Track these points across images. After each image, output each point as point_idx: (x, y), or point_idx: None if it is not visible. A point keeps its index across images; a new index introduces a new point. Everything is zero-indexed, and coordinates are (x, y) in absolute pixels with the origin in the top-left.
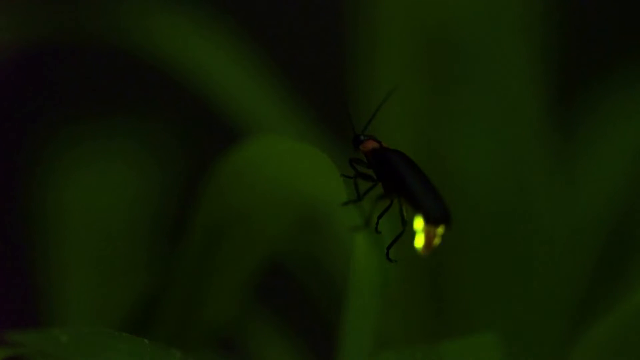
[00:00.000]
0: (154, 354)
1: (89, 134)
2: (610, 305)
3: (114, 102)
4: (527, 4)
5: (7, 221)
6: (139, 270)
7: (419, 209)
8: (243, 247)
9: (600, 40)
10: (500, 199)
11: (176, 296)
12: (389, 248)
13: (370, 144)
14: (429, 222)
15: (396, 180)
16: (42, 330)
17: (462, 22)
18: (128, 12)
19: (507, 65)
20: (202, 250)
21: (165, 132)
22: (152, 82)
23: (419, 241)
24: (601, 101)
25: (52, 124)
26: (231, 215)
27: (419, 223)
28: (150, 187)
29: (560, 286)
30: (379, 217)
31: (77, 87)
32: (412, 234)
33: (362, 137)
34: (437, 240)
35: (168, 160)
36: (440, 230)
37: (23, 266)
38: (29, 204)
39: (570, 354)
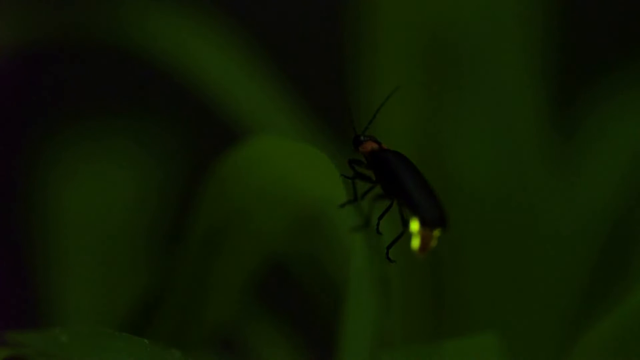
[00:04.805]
0: (154, 354)
1: (89, 134)
2: (610, 305)
3: (114, 102)
4: (527, 5)
5: (7, 221)
6: (138, 270)
7: (414, 212)
8: (243, 247)
9: (600, 40)
10: (500, 199)
11: (176, 296)
12: (388, 248)
13: (370, 145)
14: (424, 224)
15: (393, 182)
16: (42, 330)
17: (462, 22)
18: (128, 12)
19: (507, 66)
20: (202, 250)
21: (165, 132)
22: (152, 82)
23: (415, 243)
24: (601, 101)
25: (52, 124)
26: (231, 215)
27: (415, 225)
28: (150, 187)
29: (560, 286)
30: (379, 217)
31: (77, 87)
32: (411, 235)
33: (362, 138)
34: (433, 243)
35: (168, 160)
36: (436, 233)
37: (23, 266)
38: (29, 204)
39: (570, 354)
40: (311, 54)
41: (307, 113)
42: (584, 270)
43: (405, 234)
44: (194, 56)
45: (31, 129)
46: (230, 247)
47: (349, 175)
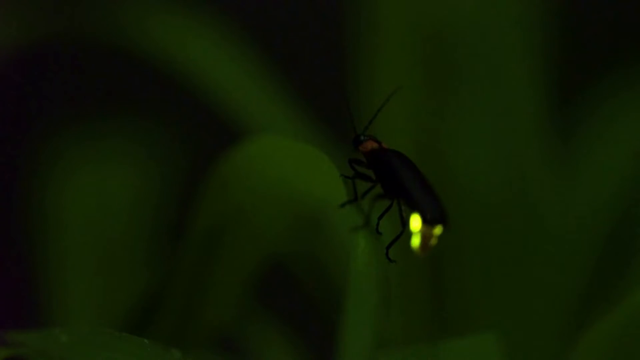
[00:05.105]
0: (154, 354)
1: (89, 134)
2: (610, 305)
3: (114, 102)
4: (527, 5)
5: (7, 221)
6: (139, 270)
7: (416, 209)
8: (243, 247)
9: (600, 40)
10: (500, 198)
11: (176, 296)
12: (388, 248)
13: (370, 145)
14: (426, 222)
15: (394, 181)
16: (42, 330)
17: (462, 22)
18: (128, 12)
19: (507, 66)
20: (202, 250)
21: (165, 132)
22: (152, 82)
23: (416, 242)
24: (601, 101)
25: (52, 124)
26: (231, 215)
27: (416, 224)
28: (150, 187)
29: (560, 286)
30: (379, 217)
31: (77, 87)
32: (411, 234)
33: (362, 138)
34: (433, 242)
35: (168, 160)
36: (436, 231)
37: (23, 266)
38: (29, 204)
39: (570, 354)
40: (311, 55)
41: (307, 113)
42: (584, 270)
43: (405, 234)
44: (194, 56)
45: (31, 129)
46: (230, 247)
47: (349, 175)
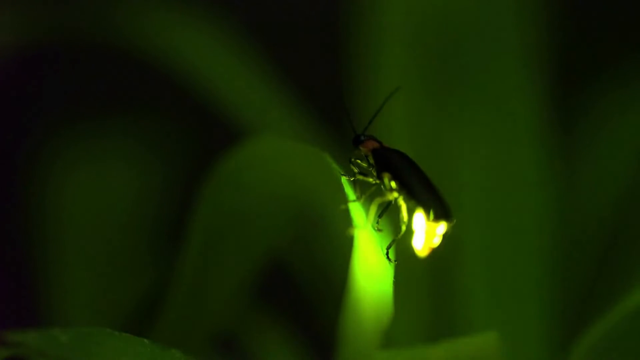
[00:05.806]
0: (154, 354)
1: (89, 134)
2: (610, 305)
3: (114, 102)
4: (527, 3)
5: (7, 221)
6: (139, 270)
7: (420, 206)
8: (243, 247)
9: (600, 40)
10: (500, 198)
11: (176, 296)
12: (388, 248)
13: (371, 144)
14: (430, 218)
15: (397, 179)
16: (42, 330)
17: (461, 22)
18: (128, 12)
19: (507, 65)
20: (202, 250)
21: (165, 132)
22: (152, 82)
23: (418, 241)
24: (600, 100)
25: (52, 124)
26: (231, 215)
27: (418, 222)
28: (150, 187)
29: (560, 286)
30: (379, 216)
31: (77, 87)
32: (412, 234)
33: (362, 137)
34: (436, 241)
35: (168, 160)
36: (439, 228)
37: (23, 266)
38: (29, 204)
39: (570, 354)
40: (311, 55)
41: (307, 113)
42: (584, 271)
43: (405, 234)
44: (195, 56)
45: (31, 129)
46: (230, 246)
47: (349, 175)
